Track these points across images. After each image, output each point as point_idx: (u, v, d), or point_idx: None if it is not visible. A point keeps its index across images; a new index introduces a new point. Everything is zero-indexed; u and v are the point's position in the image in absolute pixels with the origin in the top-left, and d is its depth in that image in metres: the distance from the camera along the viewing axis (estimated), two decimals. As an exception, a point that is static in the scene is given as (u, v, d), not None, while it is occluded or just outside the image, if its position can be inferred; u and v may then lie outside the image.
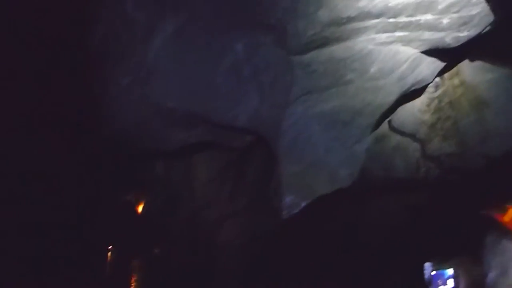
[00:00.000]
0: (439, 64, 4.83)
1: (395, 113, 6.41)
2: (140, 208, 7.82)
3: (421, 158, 6.81)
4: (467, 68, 5.89)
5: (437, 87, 6.03)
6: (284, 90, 4.71)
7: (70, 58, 5.72)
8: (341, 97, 4.57)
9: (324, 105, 4.62)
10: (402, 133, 6.44)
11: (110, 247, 7.80)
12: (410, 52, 4.36)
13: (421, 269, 6.42)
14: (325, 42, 4.26)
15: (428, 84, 5.14)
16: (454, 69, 5.84)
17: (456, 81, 5.98)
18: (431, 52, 4.41)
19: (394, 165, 7.00)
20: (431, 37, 4.07)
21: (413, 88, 4.90)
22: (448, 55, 4.58)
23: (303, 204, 4.41)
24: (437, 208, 7.46)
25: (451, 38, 3.98)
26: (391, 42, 4.25)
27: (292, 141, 4.66)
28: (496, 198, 6.20)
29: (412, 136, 6.43)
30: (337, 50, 4.31)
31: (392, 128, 6.47)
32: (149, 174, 7.36)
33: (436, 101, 6.10)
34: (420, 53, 4.41)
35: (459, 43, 4.00)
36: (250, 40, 4.86)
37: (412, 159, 6.88)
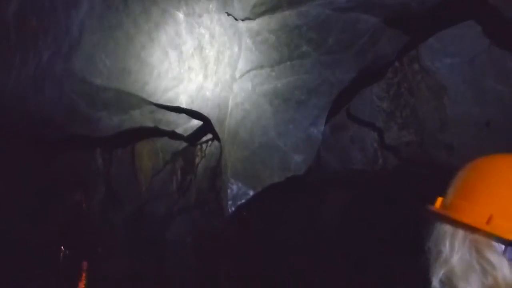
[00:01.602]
0: (401, 40, 4.18)
1: (352, 100, 5.78)
2: (80, 205, 6.74)
3: (379, 149, 6.19)
4: (427, 53, 5.30)
5: (396, 72, 5.42)
6: (230, 64, 3.88)
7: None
8: (296, 73, 3.80)
9: (276, 81, 3.83)
10: (360, 121, 5.78)
11: (60, 248, 6.70)
12: (371, 21, 3.66)
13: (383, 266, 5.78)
14: (277, 5, 3.47)
15: (389, 62, 4.49)
16: (414, 53, 5.23)
17: (415, 66, 5.37)
18: (394, 22, 3.72)
19: (351, 156, 6.35)
20: (395, 2, 3.38)
21: (373, 65, 4.21)
22: (411, 27, 3.93)
23: (251, 193, 3.60)
24: (394, 202, 6.90)
25: (416, 1, 3.30)
26: (350, 8, 3.52)
27: (239, 122, 3.83)
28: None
29: (370, 125, 5.79)
30: (290, 15, 3.53)
31: (350, 116, 5.81)
32: (87, 166, 6.31)
33: (395, 87, 5.49)
34: (382, 23, 3.72)
35: (424, 8, 3.33)
36: (191, 7, 4.02)
37: (370, 149, 6.26)
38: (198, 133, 5.23)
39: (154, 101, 4.29)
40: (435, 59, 5.29)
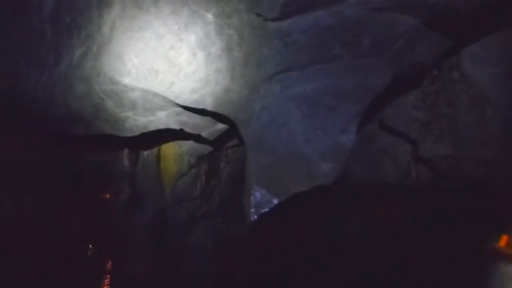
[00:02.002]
0: (441, 45, 3.87)
1: (386, 109, 5.47)
2: (106, 205, 6.71)
3: (412, 161, 5.82)
4: (469, 60, 4.94)
5: (433, 80, 5.07)
6: (258, 66, 3.70)
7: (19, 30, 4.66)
8: (326, 76, 3.57)
9: (306, 85, 3.61)
10: (392, 131, 5.44)
11: (88, 246, 6.71)
12: (409, 22, 3.38)
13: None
14: (309, 4, 3.27)
15: (427, 69, 4.18)
16: (454, 60, 4.88)
17: (455, 74, 5.01)
18: (434, 24, 3.43)
19: (382, 168, 6.00)
20: (438, 1, 3.10)
21: (410, 71, 3.92)
22: (454, 31, 3.62)
23: (276, 201, 3.38)
24: (427, 218, 6.47)
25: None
26: (387, 8, 3.27)
27: (265, 127, 3.63)
28: (495, 208, 5.24)
29: (404, 135, 5.44)
30: (323, 15, 3.32)
31: (382, 126, 5.48)
32: (114, 166, 6.28)
33: (432, 97, 5.13)
34: (421, 25, 3.43)
35: (472, 7, 3.03)
36: (221, 7, 3.88)
37: (402, 162, 5.89)
38: (223, 138, 5.07)
39: (180, 103, 4.16)
40: (477, 67, 4.91)
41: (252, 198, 3.34)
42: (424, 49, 3.67)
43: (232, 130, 4.63)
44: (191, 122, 4.69)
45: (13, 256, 5.38)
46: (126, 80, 4.20)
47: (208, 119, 4.65)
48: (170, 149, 6.00)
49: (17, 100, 4.92)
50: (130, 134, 4.63)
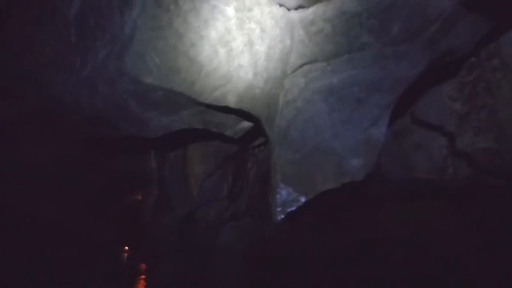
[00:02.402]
0: (480, 29, 3.53)
1: (419, 101, 5.12)
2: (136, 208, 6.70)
3: (449, 156, 5.43)
4: (510, 46, 4.54)
5: (471, 68, 4.69)
6: (281, 59, 3.51)
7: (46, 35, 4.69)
8: (355, 66, 3.33)
9: (332, 77, 3.38)
10: (427, 125, 5.09)
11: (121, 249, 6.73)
12: (444, 4, 3.09)
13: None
14: (333, -10, 3.05)
15: (464, 56, 3.84)
16: (494, 46, 4.50)
17: (495, 61, 4.61)
18: (472, 5, 3.12)
19: (416, 165, 5.63)
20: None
21: (445, 58, 3.60)
22: (494, 13, 3.28)
23: (303, 200, 3.17)
24: (465, 217, 6.04)
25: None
26: (420, -10, 2.99)
27: (290, 122, 3.43)
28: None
29: (439, 129, 5.07)
30: (349, 1, 3.08)
31: (415, 119, 5.14)
32: (142, 169, 6.26)
33: (470, 86, 4.75)
34: (458, 8, 3.13)
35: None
36: (242, 1, 3.72)
37: (438, 157, 5.51)
38: (248, 136, 4.89)
39: (203, 101, 4.03)
40: (519, 53, 4.51)
41: (278, 196, 3.14)
42: (460, 34, 3.35)
43: (258, 128, 4.46)
44: (215, 121, 4.55)
45: (46, 257, 5.42)
46: (149, 80, 4.11)
47: (232, 117, 4.49)
48: (196, 150, 5.90)
49: (47, 105, 4.97)
50: (154, 135, 4.55)
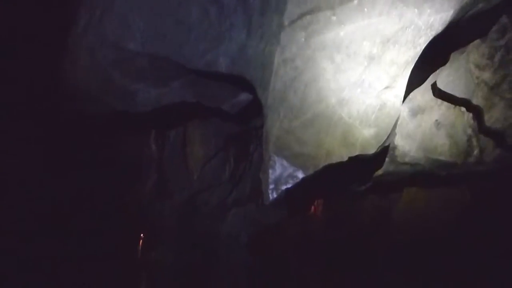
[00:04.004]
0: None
1: (441, 70, 4.34)
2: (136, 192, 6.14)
3: (474, 136, 4.63)
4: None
5: (503, 31, 3.88)
6: (277, 9, 2.83)
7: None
8: (366, 15, 2.62)
9: (338, 29, 2.68)
10: (450, 98, 4.30)
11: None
12: None
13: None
14: None
15: (495, 17, 3.07)
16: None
17: (532, 22, 3.80)
18: None
19: (436, 145, 4.85)
20: None
21: (474, 13, 2.85)
22: None
23: (300, 176, 2.50)
24: (493, 205, 5.23)
25: None
26: None
27: (287, 84, 2.75)
28: None
29: (465, 102, 4.28)
30: None
31: (437, 92, 4.36)
32: (141, 152, 5.68)
33: (501, 52, 3.95)
34: None
35: None
36: None
37: (461, 136, 4.71)
38: (249, 114, 4.25)
39: (192, 67, 3.39)
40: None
41: (270, 171, 2.48)
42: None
43: (257, 103, 3.81)
44: (208, 94, 3.91)
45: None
46: (132, 46, 3.50)
47: (226, 88, 3.84)
48: (196, 131, 5.29)
49: (35, 82, 4.44)
50: (142, 110, 3.95)
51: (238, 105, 3.96)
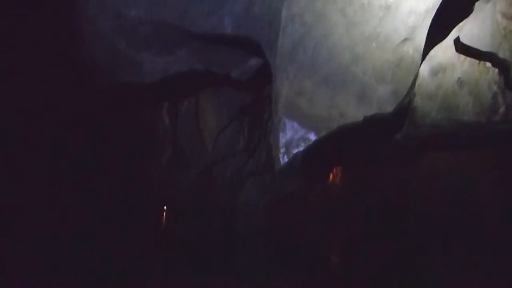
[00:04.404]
0: None
1: (464, 23, 4.00)
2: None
3: (500, 93, 4.31)
4: None
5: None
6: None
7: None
8: (379, -40, 2.37)
9: (350, -22, 2.44)
10: (473, 52, 3.98)
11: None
12: None
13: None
14: None
15: None
16: None
17: None
18: None
19: (459, 104, 4.55)
20: None
21: None
22: None
23: (313, 137, 2.35)
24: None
25: None
26: None
27: (296, 42, 2.55)
28: None
29: (490, 57, 3.95)
30: None
31: (459, 46, 4.04)
32: (155, 125, 5.62)
33: (532, -2, 3.58)
34: None
35: None
36: None
37: (486, 94, 4.40)
38: (259, 78, 4.06)
39: (197, 31, 3.23)
40: None
41: (280, 135, 2.34)
42: None
43: (268, 68, 3.62)
44: (217, 60, 3.74)
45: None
46: (133, 12, 3.36)
47: (236, 54, 3.65)
48: (208, 100, 5.15)
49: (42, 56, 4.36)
50: (149, 80, 3.83)
51: (248, 71, 3.78)
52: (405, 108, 2.74)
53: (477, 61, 4.21)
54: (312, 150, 2.33)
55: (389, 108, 2.46)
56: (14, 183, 4.30)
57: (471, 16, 3.75)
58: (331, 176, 5.41)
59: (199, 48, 3.57)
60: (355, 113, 2.43)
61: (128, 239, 5.36)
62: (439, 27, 3.02)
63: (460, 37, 3.94)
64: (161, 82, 3.81)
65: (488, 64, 4.12)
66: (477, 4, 3.59)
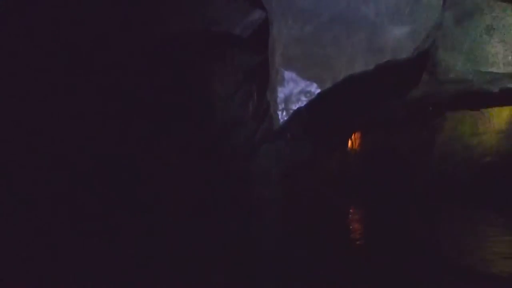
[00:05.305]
0: None
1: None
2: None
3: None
4: None
5: None
6: None
7: None
8: None
9: None
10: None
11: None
12: None
13: None
14: None
15: None
16: None
17: None
18: None
19: (487, 54, 4.04)
20: None
21: None
22: None
23: (316, 90, 2.04)
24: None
25: None
26: None
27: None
28: None
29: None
30: None
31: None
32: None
33: None
34: None
35: None
36: None
37: (518, 42, 3.86)
38: (262, 32, 3.68)
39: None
40: None
41: (278, 89, 2.05)
42: None
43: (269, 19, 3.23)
44: (215, 16, 3.39)
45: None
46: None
47: (237, 7, 3.29)
48: (214, 67, 4.83)
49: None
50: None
51: (251, 26, 3.41)
52: (424, 55, 2.34)
53: (509, 5, 3.68)
54: (317, 106, 2.00)
55: (405, 52, 2.09)
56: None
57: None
58: (350, 143, 5.01)
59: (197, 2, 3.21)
60: (365, 59, 2.07)
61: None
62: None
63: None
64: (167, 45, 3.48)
65: (522, 6, 3.58)
66: None
